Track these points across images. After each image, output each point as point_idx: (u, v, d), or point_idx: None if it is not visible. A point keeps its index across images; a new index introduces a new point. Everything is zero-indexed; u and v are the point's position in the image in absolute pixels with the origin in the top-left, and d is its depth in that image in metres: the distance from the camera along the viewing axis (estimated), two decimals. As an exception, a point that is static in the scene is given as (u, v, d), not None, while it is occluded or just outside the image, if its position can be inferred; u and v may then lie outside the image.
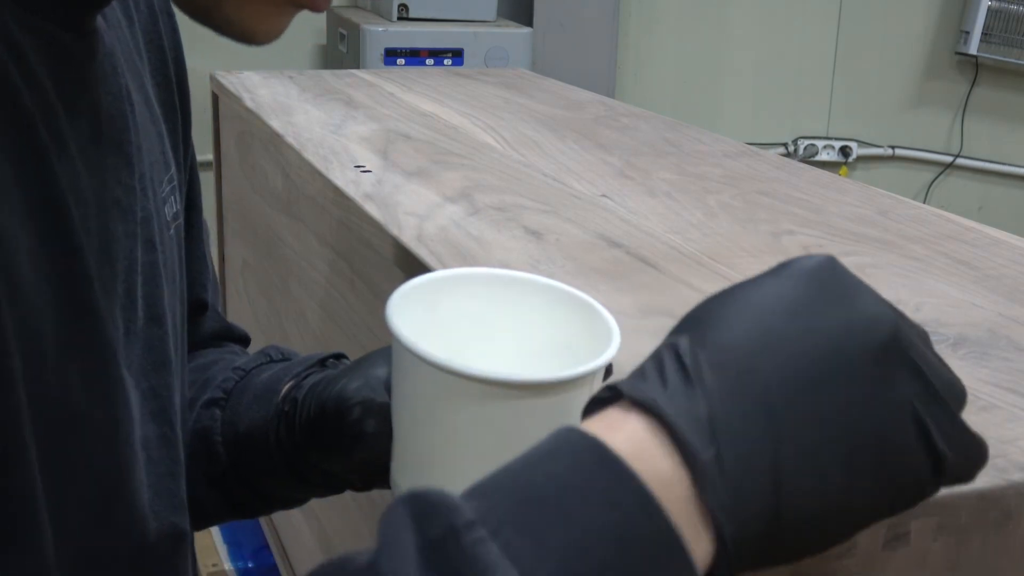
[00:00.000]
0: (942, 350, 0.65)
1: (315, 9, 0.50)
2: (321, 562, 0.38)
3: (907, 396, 0.40)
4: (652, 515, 0.36)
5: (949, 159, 3.29)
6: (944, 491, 0.48)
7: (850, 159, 3.31)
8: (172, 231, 0.60)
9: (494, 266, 0.77)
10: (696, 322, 0.41)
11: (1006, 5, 3.08)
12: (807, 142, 3.30)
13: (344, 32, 2.71)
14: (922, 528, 0.47)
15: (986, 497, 0.49)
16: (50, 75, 0.47)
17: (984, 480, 0.49)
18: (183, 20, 0.55)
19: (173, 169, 0.62)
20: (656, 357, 0.40)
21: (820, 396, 0.39)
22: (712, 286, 0.75)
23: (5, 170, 0.43)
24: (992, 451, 0.51)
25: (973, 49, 3.12)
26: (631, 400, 0.39)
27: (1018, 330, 0.69)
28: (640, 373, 0.40)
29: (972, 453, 0.42)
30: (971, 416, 0.56)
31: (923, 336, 0.43)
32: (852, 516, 0.40)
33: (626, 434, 0.38)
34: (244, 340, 0.80)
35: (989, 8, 3.08)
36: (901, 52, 3.25)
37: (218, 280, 0.75)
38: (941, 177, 3.32)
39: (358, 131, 1.19)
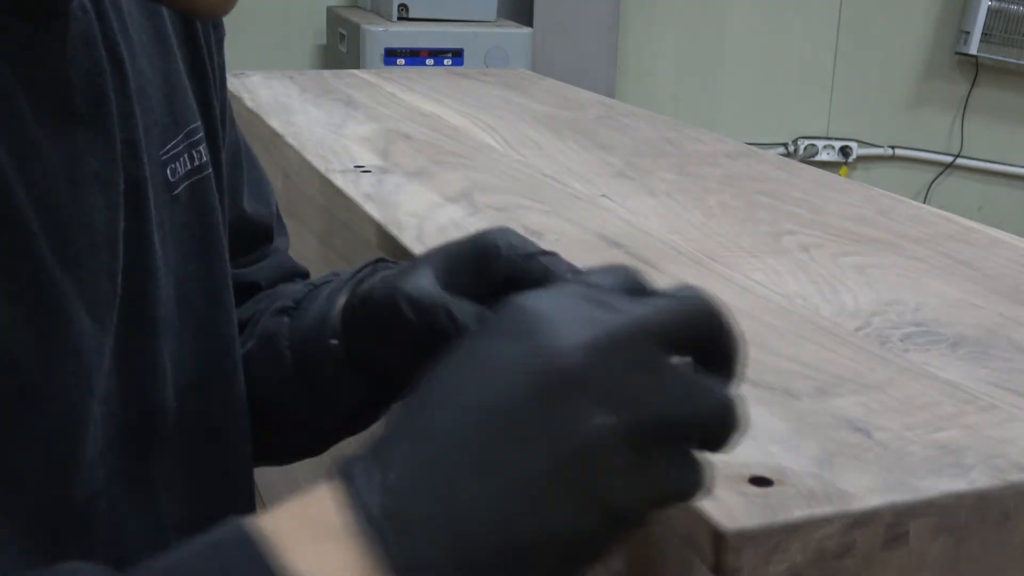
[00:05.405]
0: (941, 350, 0.65)
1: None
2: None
3: (579, 432, 0.38)
4: None
5: (949, 159, 3.29)
6: (944, 491, 0.48)
7: (850, 159, 3.32)
8: (182, 189, 0.60)
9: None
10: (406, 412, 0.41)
11: (1006, 5, 3.08)
12: (807, 142, 3.30)
13: (344, 32, 2.71)
14: (921, 528, 0.47)
15: (985, 497, 0.49)
16: (10, 64, 0.47)
17: (983, 480, 0.49)
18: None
19: (197, 122, 0.62)
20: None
21: (491, 447, 0.38)
22: (711, 286, 0.75)
23: None
24: (992, 451, 0.51)
25: (973, 49, 3.12)
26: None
27: (1018, 330, 0.69)
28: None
29: (681, 487, 0.40)
30: (971, 416, 0.56)
31: (649, 351, 0.40)
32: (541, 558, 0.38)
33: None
34: (306, 275, 0.81)
35: (989, 8, 3.08)
36: (901, 52, 3.25)
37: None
38: (941, 177, 3.32)
39: (358, 131, 1.19)
